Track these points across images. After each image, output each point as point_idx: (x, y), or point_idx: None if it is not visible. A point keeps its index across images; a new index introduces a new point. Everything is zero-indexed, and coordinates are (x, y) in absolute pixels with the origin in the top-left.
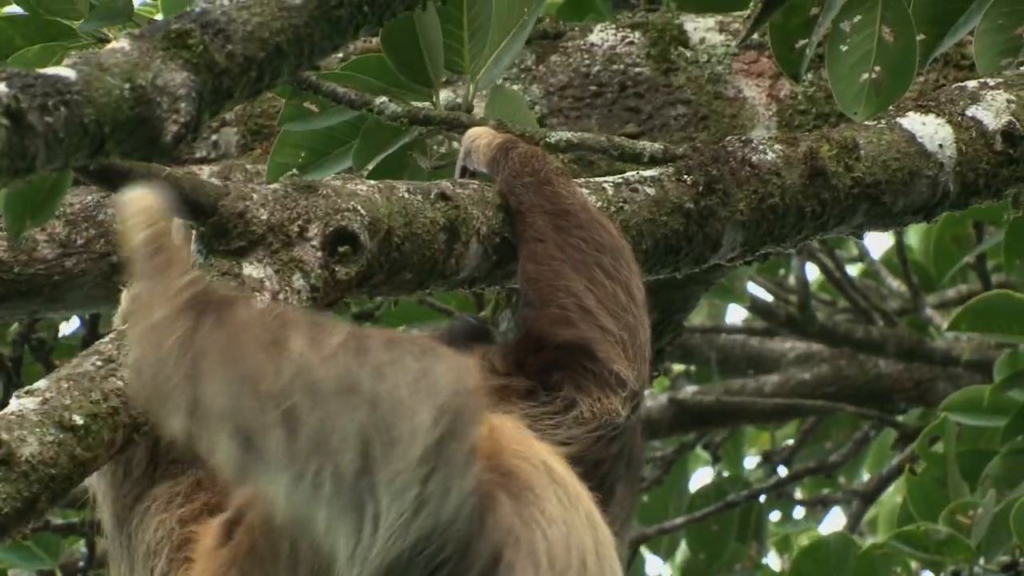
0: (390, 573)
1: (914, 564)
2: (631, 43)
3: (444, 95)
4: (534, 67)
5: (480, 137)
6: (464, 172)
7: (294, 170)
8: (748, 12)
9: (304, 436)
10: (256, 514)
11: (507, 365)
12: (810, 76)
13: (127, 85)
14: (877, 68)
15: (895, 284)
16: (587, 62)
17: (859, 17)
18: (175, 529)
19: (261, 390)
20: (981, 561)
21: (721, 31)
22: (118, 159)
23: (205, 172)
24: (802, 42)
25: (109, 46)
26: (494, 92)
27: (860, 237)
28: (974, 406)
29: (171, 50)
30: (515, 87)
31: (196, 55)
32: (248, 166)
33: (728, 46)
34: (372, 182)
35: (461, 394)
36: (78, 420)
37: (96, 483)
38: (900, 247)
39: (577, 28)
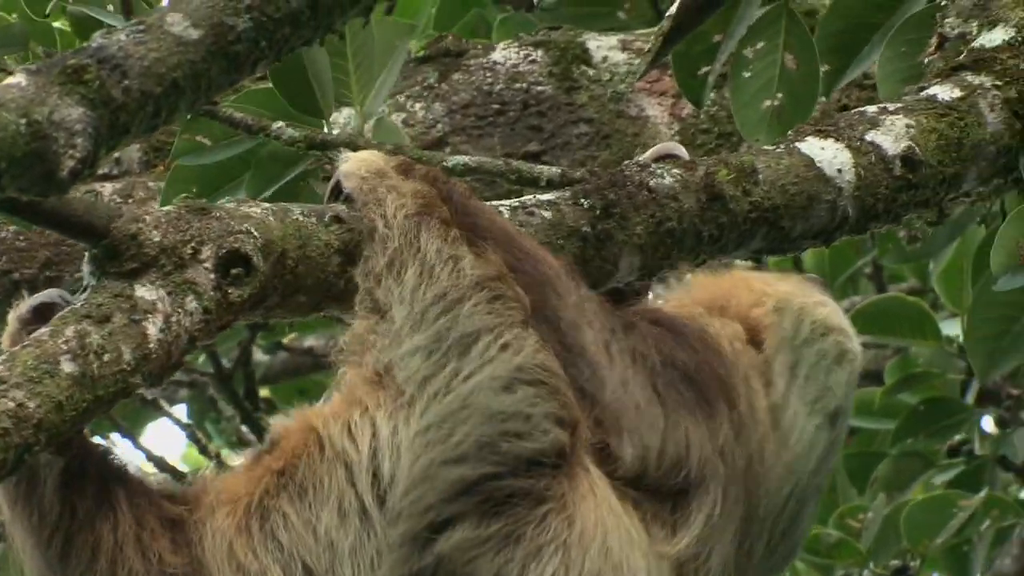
0: (481, 424)
1: (805, 568)
2: (534, 61)
3: (340, 122)
4: (437, 85)
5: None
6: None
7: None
8: (649, 45)
9: (457, 297)
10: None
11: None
12: (712, 95)
13: (23, 120)
14: (780, 95)
15: None
16: (490, 80)
17: (762, 44)
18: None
19: (457, 262)
20: (871, 565)
21: (624, 50)
22: (14, 194)
23: (108, 189)
24: (705, 69)
25: (5, 81)
26: (377, 124)
27: (759, 262)
28: (865, 408)
29: (67, 85)
30: (417, 105)
31: (93, 90)
32: (151, 183)
33: (631, 64)
34: (266, 204)
35: (568, 394)
36: None
37: (12, 532)
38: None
39: (480, 46)
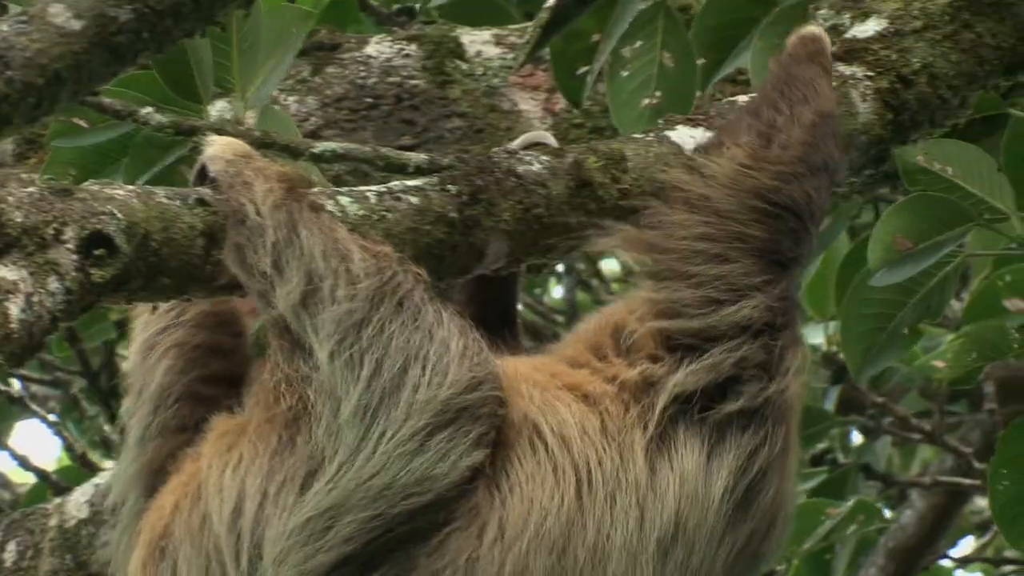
0: (373, 501)
1: None
2: (407, 56)
3: (219, 107)
4: (311, 79)
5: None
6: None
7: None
8: (526, 38)
9: (359, 317)
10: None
11: None
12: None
13: None
14: (658, 93)
15: None
16: (363, 74)
17: (640, 43)
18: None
19: (345, 262)
20: None
21: (497, 44)
22: None
23: None
24: (584, 69)
25: None
26: (263, 111)
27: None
28: None
29: None
30: (291, 99)
31: None
32: (24, 175)
33: (504, 59)
34: (130, 187)
35: (497, 385)
36: None
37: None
38: None
39: (354, 40)
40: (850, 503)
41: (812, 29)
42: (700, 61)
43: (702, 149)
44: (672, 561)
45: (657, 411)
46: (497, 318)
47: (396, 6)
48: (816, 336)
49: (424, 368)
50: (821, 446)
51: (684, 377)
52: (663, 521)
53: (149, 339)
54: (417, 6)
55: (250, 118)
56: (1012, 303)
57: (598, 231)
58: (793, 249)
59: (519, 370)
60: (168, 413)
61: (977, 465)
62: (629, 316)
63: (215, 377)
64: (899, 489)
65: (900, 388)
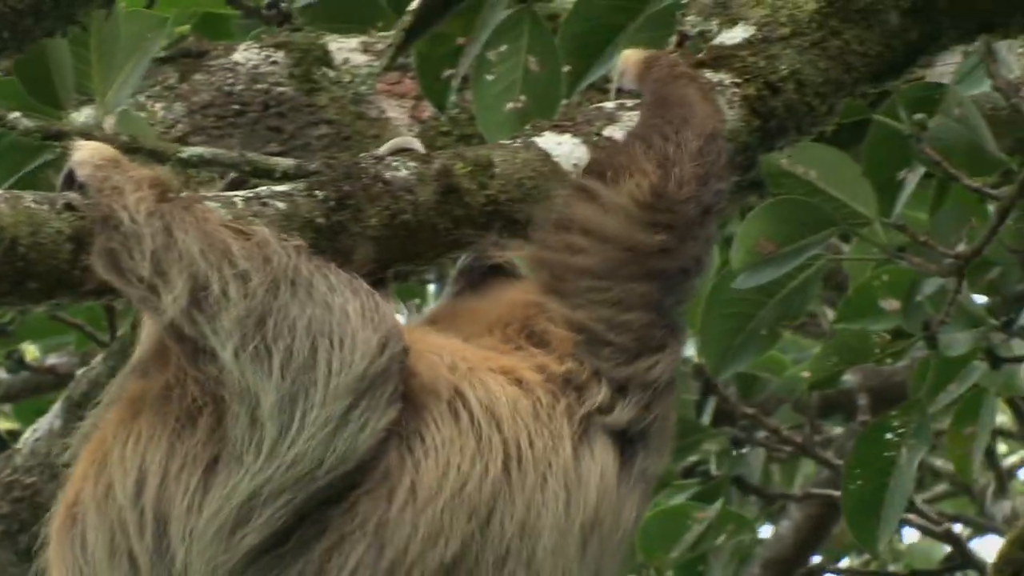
0: (297, 482)
1: None
2: (275, 63)
3: (84, 116)
4: (177, 85)
5: (631, 57)
6: (619, 93)
7: None
8: (391, 40)
9: (259, 310)
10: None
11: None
12: (453, 98)
13: None
14: (522, 97)
15: None
16: (230, 81)
17: (506, 47)
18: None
19: (227, 256)
20: None
21: (365, 51)
22: None
23: None
24: (448, 72)
25: None
26: (120, 116)
27: None
28: None
29: None
30: (158, 105)
31: None
32: None
33: (372, 66)
34: None
35: (403, 339)
36: None
37: None
38: None
39: (221, 47)
40: (717, 507)
41: (640, 52)
42: (566, 67)
43: (594, 171)
44: (590, 549)
45: (582, 411)
46: None
47: (266, 1)
48: (687, 348)
49: (332, 343)
50: (694, 458)
51: (605, 400)
52: (586, 508)
53: None
54: (283, 4)
55: (109, 123)
56: (888, 303)
57: (476, 240)
58: (680, 306)
59: (445, 344)
60: None
61: None
62: (539, 314)
63: None
64: (781, 504)
65: (774, 400)
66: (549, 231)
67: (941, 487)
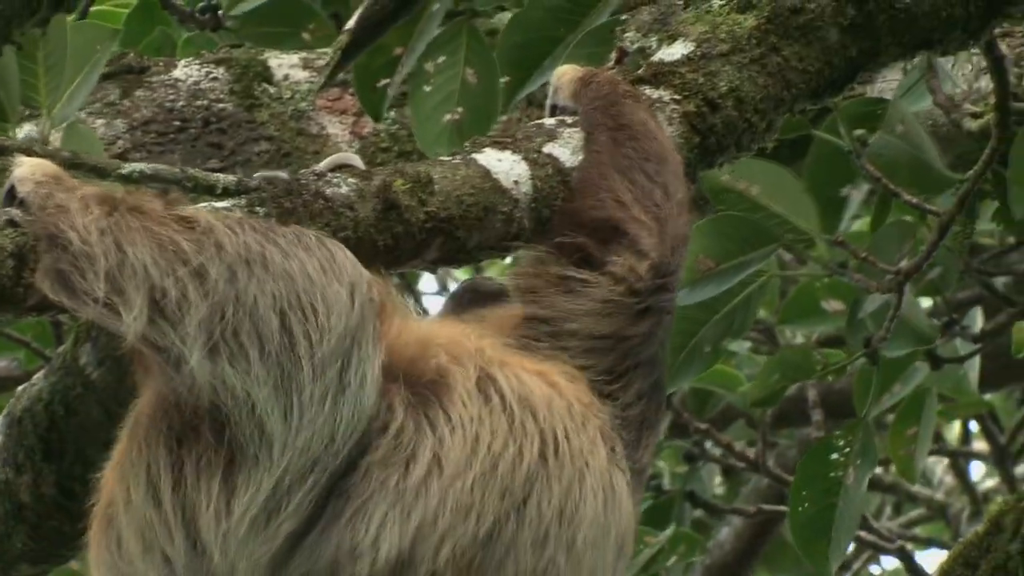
0: (316, 463)
1: None
2: (215, 79)
3: (27, 129)
4: (119, 101)
5: (566, 73)
6: (554, 110)
7: None
8: (328, 58)
9: (221, 306)
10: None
11: (541, 257)
12: (393, 114)
13: None
14: (460, 109)
15: None
16: (171, 97)
17: (443, 58)
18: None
19: (179, 257)
20: None
21: (305, 68)
22: None
23: None
24: (384, 82)
25: None
26: (68, 129)
27: (434, 272)
28: None
29: None
30: (99, 121)
31: None
32: None
33: (312, 83)
34: None
35: (366, 279)
36: None
37: None
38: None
39: (162, 63)
40: (669, 532)
41: (576, 68)
42: (504, 79)
43: (585, 228)
44: (621, 561)
45: (608, 432)
46: None
47: (200, 4)
48: None
49: (304, 313)
50: None
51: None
52: (620, 520)
53: None
54: (221, 12)
55: (56, 137)
56: (830, 304)
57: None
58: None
59: (470, 334)
60: None
61: None
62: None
63: None
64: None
65: (730, 414)
66: (538, 294)
67: (917, 512)
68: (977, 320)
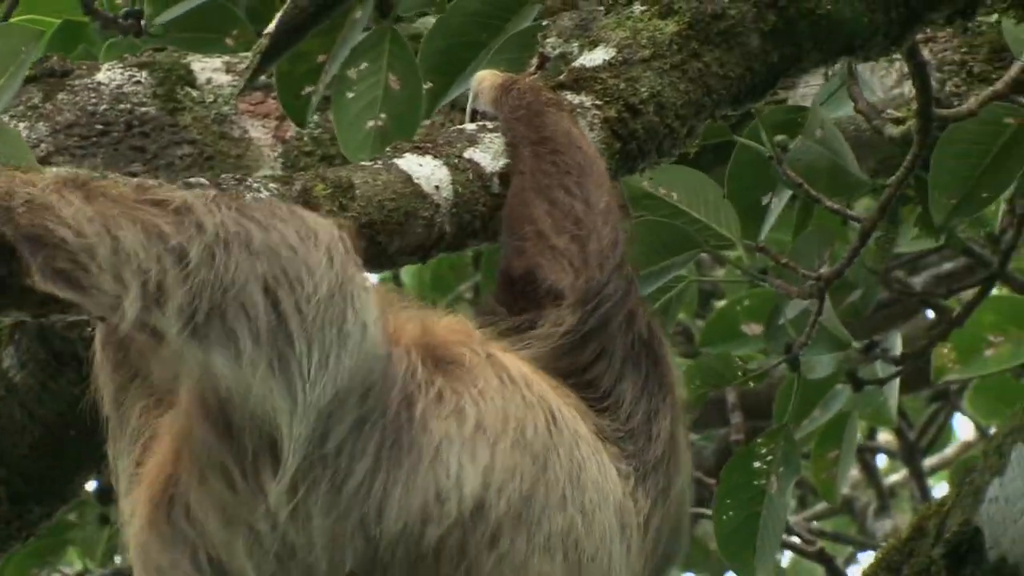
0: (328, 420)
1: None
2: (138, 82)
3: None
4: (41, 105)
5: (485, 79)
6: (474, 115)
7: None
8: (248, 61)
9: (208, 289)
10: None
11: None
12: (316, 118)
13: None
14: (383, 115)
15: None
16: (94, 100)
17: (366, 64)
18: (150, 413)
19: (163, 241)
20: None
21: (228, 71)
22: None
23: None
24: (308, 89)
25: None
26: None
27: None
28: None
29: None
30: (21, 125)
31: None
32: None
33: (235, 87)
34: None
35: (337, 232)
36: None
37: (99, 365)
38: (396, 278)
39: (85, 66)
40: None
41: (496, 74)
42: (427, 85)
43: (505, 281)
44: (626, 540)
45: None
46: None
47: (123, 10)
48: None
49: (291, 285)
50: None
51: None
52: (615, 489)
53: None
54: (143, 21)
55: None
56: (749, 327)
57: None
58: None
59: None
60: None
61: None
62: None
63: None
64: None
65: None
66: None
67: (822, 505)
68: (897, 343)
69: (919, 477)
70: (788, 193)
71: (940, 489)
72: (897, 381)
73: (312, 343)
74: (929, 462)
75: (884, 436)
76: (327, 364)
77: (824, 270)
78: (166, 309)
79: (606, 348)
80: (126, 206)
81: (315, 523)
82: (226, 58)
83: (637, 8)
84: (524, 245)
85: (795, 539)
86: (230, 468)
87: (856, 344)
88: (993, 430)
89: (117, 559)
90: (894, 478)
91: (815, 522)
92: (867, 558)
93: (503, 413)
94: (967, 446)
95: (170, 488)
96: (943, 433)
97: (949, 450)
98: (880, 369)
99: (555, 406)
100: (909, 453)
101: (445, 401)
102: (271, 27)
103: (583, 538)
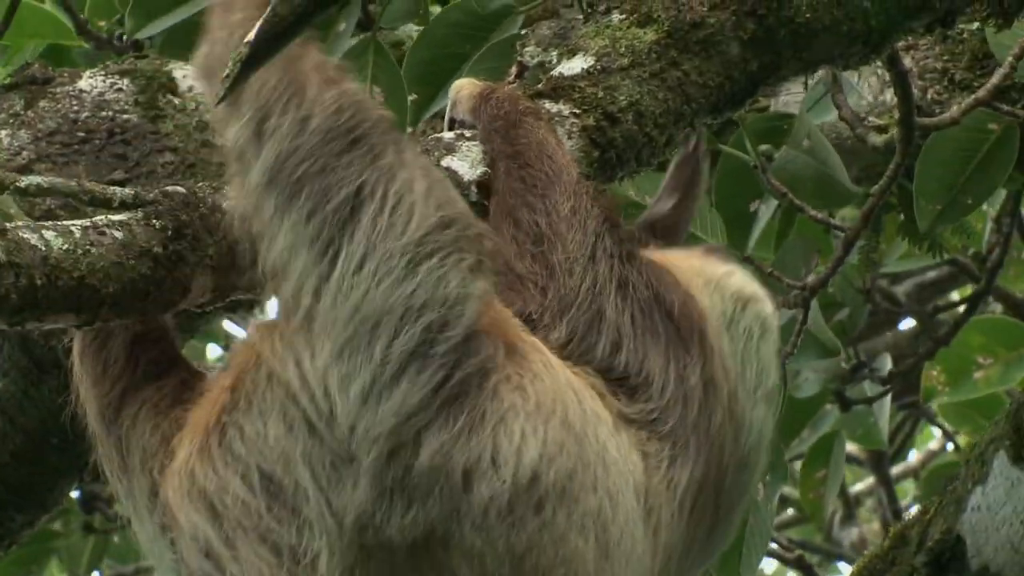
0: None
1: None
2: (120, 90)
3: None
4: (23, 112)
5: (463, 88)
6: (452, 123)
7: None
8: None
9: (303, 152)
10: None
11: None
12: None
13: None
14: None
15: None
16: (76, 108)
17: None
18: (170, 429)
19: (297, 96)
20: None
21: None
22: None
23: None
24: None
25: None
26: None
27: None
28: None
29: None
30: (3, 132)
31: None
32: None
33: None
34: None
35: (472, 222)
36: None
37: (78, 378)
38: None
39: (67, 74)
40: None
41: (474, 83)
42: (412, 96)
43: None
44: (651, 525)
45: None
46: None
47: (118, 31)
48: None
49: (383, 207)
50: None
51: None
52: (634, 474)
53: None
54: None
55: None
56: None
57: None
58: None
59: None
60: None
61: None
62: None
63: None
64: None
65: None
66: None
67: (788, 513)
68: (886, 363)
69: (887, 484)
70: (775, 202)
71: (907, 497)
72: (888, 402)
73: (369, 253)
74: (895, 470)
75: (848, 446)
76: (374, 280)
77: (809, 279)
78: (262, 148)
79: (615, 336)
80: (301, 61)
81: (371, 433)
82: None
83: (616, 17)
84: (498, 279)
85: (774, 545)
86: (287, 411)
87: (844, 354)
88: (962, 438)
89: (96, 575)
90: (859, 487)
91: (782, 531)
92: (845, 568)
93: (552, 394)
94: (932, 454)
95: (223, 416)
96: (910, 440)
97: (913, 458)
98: (868, 388)
99: (579, 389)
100: (877, 460)
101: (512, 379)
102: (251, 35)
103: (610, 523)
